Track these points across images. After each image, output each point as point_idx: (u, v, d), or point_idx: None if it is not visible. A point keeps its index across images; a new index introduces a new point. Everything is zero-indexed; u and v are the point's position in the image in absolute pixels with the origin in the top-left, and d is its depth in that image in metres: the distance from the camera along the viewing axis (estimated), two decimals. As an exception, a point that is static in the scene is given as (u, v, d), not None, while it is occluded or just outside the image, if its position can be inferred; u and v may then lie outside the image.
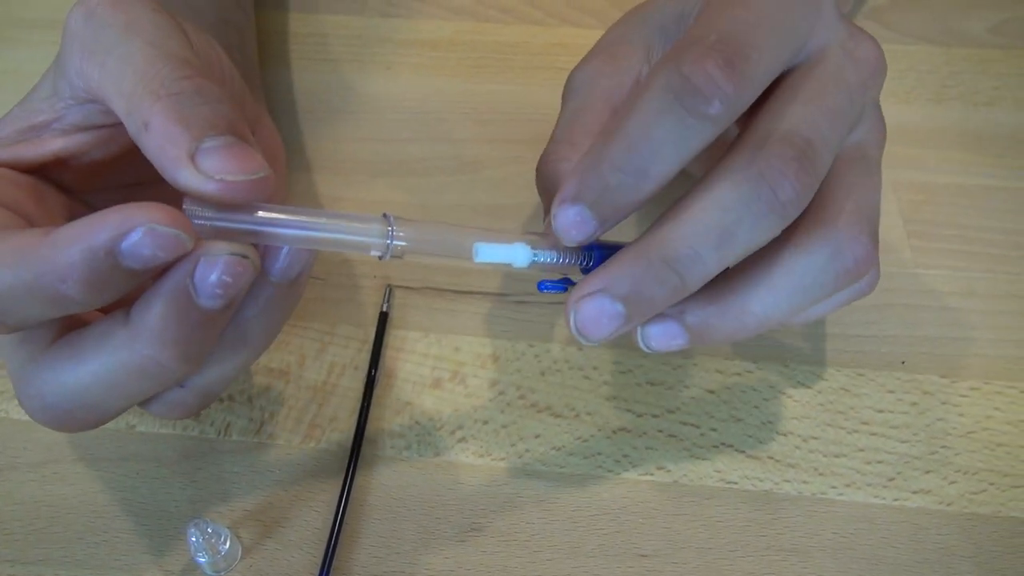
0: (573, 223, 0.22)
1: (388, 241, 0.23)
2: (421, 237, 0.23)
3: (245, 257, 0.22)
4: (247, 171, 0.21)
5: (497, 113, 0.41)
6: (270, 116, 0.36)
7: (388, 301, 0.34)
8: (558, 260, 0.24)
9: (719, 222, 0.22)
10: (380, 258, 0.23)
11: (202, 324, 0.23)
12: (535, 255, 0.24)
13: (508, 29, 0.44)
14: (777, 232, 0.22)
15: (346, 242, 0.23)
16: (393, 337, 0.33)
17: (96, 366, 0.23)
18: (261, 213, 0.22)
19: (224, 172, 0.21)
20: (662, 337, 0.24)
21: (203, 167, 0.21)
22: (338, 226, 0.23)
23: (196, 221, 0.21)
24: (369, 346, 0.33)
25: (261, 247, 0.24)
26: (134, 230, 0.20)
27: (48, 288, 0.21)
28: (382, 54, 0.43)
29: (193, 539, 0.26)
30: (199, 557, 0.26)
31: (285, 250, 0.24)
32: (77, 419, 0.24)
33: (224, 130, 0.22)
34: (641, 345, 0.25)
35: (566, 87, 0.28)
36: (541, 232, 0.25)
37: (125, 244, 0.20)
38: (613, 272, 0.23)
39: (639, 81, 0.27)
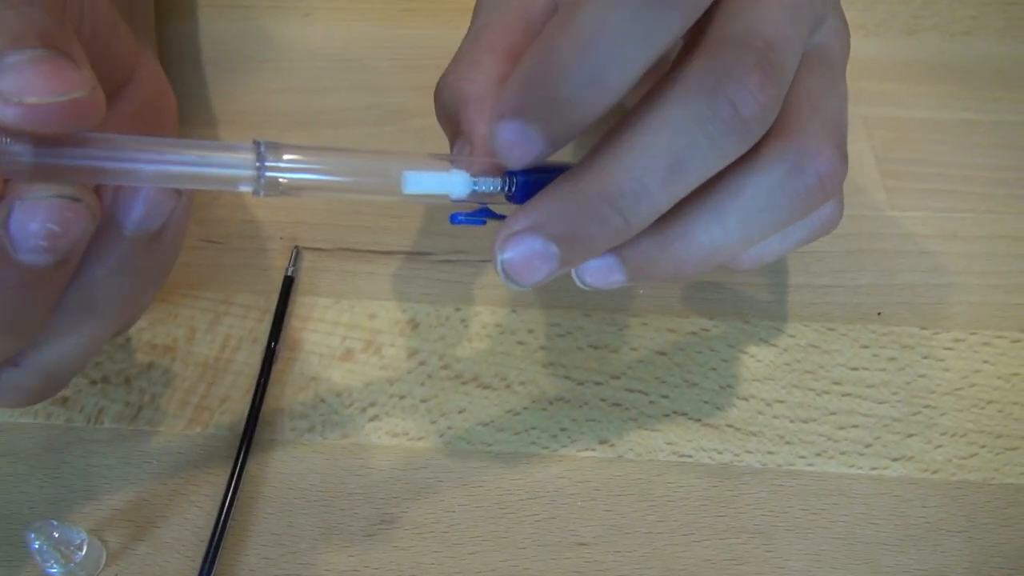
0: (515, 142, 0.18)
1: (258, 173, 0.19)
2: (322, 166, 0.19)
3: (76, 200, 0.18)
4: (57, 90, 0.17)
5: (427, 59, 0.36)
6: (160, 64, 0.32)
7: (294, 264, 0.30)
8: (501, 188, 0.20)
9: (668, 147, 0.18)
10: (255, 194, 0.19)
11: (26, 286, 0.18)
12: (475, 183, 0.20)
13: (440, -32, 0.40)
14: (737, 156, 0.18)
15: (203, 176, 0.19)
16: (299, 305, 0.29)
17: None
18: (93, 145, 0.18)
19: (25, 93, 0.17)
20: (597, 272, 0.21)
21: (0, 88, 0.17)
22: (193, 157, 0.18)
23: (3, 159, 0.17)
24: (271, 316, 0.28)
25: (110, 192, 0.20)
26: None
27: None
28: (300, 0, 0.39)
29: (36, 546, 0.21)
30: (49, 568, 0.22)
31: (141, 194, 0.20)
32: None
33: (34, 43, 0.17)
34: (576, 281, 0.21)
35: (476, 4, 0.24)
36: (450, 155, 0.21)
37: None
38: (546, 207, 0.19)
39: None
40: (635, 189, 0.18)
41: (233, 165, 0.19)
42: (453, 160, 0.21)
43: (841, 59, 0.22)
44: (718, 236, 0.20)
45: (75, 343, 0.21)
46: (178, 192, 0.20)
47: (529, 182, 0.20)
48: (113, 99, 0.26)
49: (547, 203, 0.19)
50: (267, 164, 0.19)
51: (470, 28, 0.24)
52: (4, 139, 0.17)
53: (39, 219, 0.17)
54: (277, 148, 0.19)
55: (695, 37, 0.19)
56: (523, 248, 0.19)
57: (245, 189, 0.19)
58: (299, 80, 0.36)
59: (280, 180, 0.19)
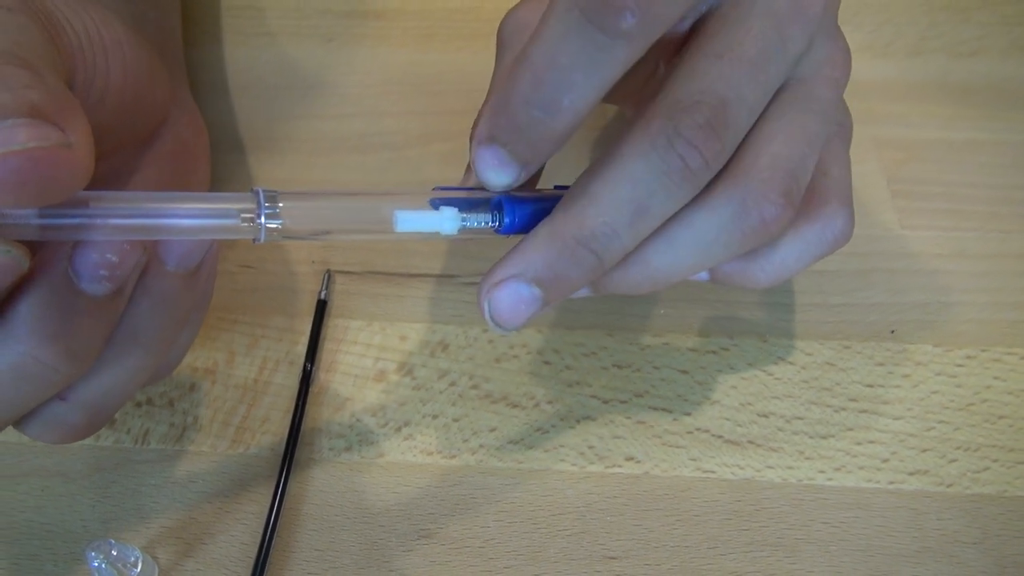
0: (492, 166, 0.20)
1: (257, 223, 0.19)
2: (315, 212, 0.20)
3: None
4: (22, 142, 0.17)
5: (447, 83, 0.38)
6: (192, 97, 0.33)
7: (327, 288, 0.31)
8: (490, 223, 0.22)
9: (631, 195, 0.20)
10: (254, 241, 0.20)
11: (88, 314, 0.20)
12: (464, 219, 0.21)
13: (458, -6, 0.41)
14: (690, 198, 0.21)
15: (203, 228, 0.19)
16: (332, 327, 0.30)
17: None
18: (96, 204, 0.18)
19: None
20: None
21: None
22: (192, 210, 0.19)
23: (9, 222, 0.18)
24: (306, 338, 0.29)
25: None
26: None
27: None
28: (322, 26, 0.40)
29: (95, 564, 0.22)
30: (106, 584, 0.23)
31: None
32: None
33: (20, 114, 0.17)
34: None
35: (497, 38, 0.25)
36: (454, 187, 0.22)
37: None
38: (527, 255, 0.21)
39: None
40: (607, 232, 0.20)
41: (232, 215, 0.19)
42: (441, 192, 0.22)
43: (823, 92, 0.22)
44: (671, 262, 0.22)
45: (120, 376, 0.22)
46: None
47: (515, 216, 0.22)
48: (150, 141, 0.27)
49: (529, 250, 0.21)
50: (266, 212, 0.19)
51: (496, 67, 0.25)
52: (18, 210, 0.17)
53: (99, 250, 0.19)
54: (274, 196, 0.20)
55: (661, 89, 0.21)
56: (508, 294, 0.21)
57: (245, 237, 0.20)
58: (322, 106, 0.37)
59: (279, 228, 0.20)
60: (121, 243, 0.19)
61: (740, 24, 0.20)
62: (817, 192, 0.23)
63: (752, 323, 0.30)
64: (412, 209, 0.21)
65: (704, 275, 0.24)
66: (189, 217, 0.19)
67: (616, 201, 0.20)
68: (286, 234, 0.20)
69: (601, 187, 0.20)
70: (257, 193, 0.20)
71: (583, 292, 0.23)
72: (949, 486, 0.26)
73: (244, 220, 0.19)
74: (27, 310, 0.19)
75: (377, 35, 0.39)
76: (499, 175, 0.20)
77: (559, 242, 0.20)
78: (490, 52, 0.38)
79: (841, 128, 0.24)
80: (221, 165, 0.35)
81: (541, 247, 0.21)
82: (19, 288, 0.19)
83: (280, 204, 0.20)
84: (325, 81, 0.38)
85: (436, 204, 0.21)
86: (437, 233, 0.21)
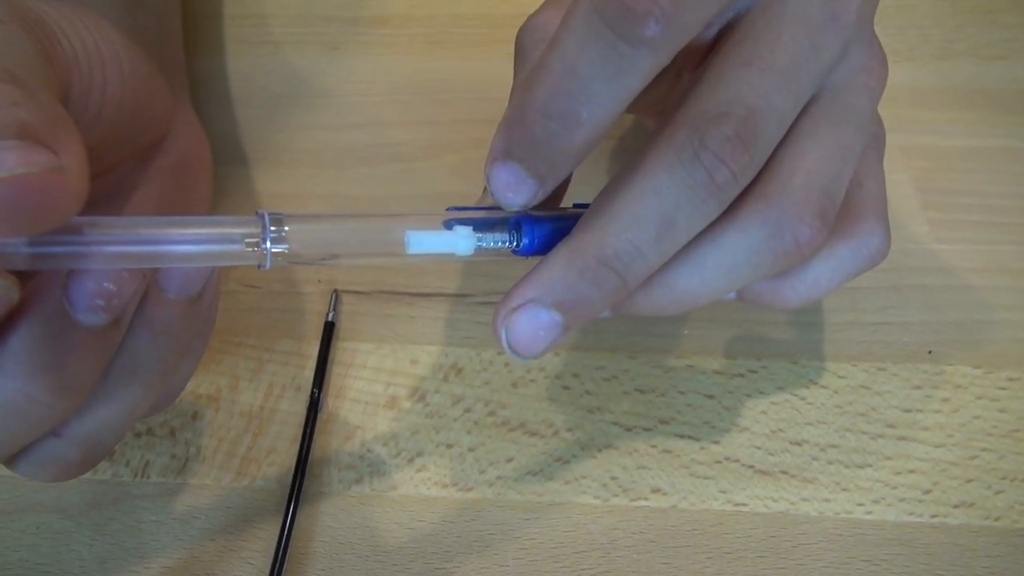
0: (507, 184, 0.19)
1: (263, 248, 0.18)
2: (323, 236, 0.19)
3: None
4: (12, 166, 0.16)
5: (456, 92, 0.36)
6: (193, 108, 0.32)
7: (334, 309, 0.30)
8: (508, 244, 0.20)
9: (656, 211, 0.19)
10: (259, 267, 0.19)
11: (83, 346, 0.19)
12: (479, 240, 0.20)
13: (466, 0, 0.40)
14: (717, 215, 0.20)
15: (203, 254, 0.18)
16: (341, 351, 0.29)
17: None
18: (87, 230, 0.17)
19: None
20: None
21: None
22: (189, 236, 0.18)
23: (3, 251, 0.16)
24: (313, 362, 0.28)
25: None
26: None
27: None
28: (327, 34, 0.39)
29: (92, 612, 0.21)
30: (104, 631, 0.22)
31: None
32: None
33: (14, 136, 0.16)
34: None
35: (516, 46, 0.24)
36: (470, 207, 0.21)
37: None
38: (545, 278, 0.19)
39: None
40: (630, 251, 0.19)
41: (235, 240, 0.18)
42: (455, 212, 0.21)
43: (857, 102, 0.21)
44: (698, 283, 0.20)
45: (116, 410, 0.21)
46: None
47: (534, 236, 0.20)
48: (150, 155, 0.26)
49: (547, 273, 0.20)
50: (271, 237, 0.18)
51: (515, 78, 0.24)
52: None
53: (95, 279, 0.18)
54: (280, 220, 0.18)
55: (685, 96, 0.20)
56: (526, 321, 0.19)
57: (250, 263, 0.18)
58: (327, 116, 0.36)
59: (285, 252, 0.18)
60: (118, 271, 0.18)
61: (770, 31, 0.19)
62: (851, 207, 0.22)
63: (781, 344, 0.28)
64: (424, 230, 0.20)
65: (731, 293, 0.22)
66: (190, 243, 0.18)
67: (639, 217, 0.19)
68: (292, 259, 0.19)
69: (623, 203, 0.19)
70: (262, 216, 0.18)
71: (606, 314, 0.21)
72: (996, 519, 0.25)
73: (248, 245, 0.18)
74: (18, 344, 0.18)
75: (383, 42, 0.38)
76: (516, 194, 0.19)
77: (580, 263, 0.19)
78: (500, 58, 0.37)
79: (875, 139, 0.23)
80: (223, 178, 0.34)
81: (560, 269, 0.19)
82: (9, 321, 0.18)
83: (286, 228, 0.18)
84: (330, 90, 0.36)
85: (450, 224, 0.20)
86: (452, 255, 0.20)
